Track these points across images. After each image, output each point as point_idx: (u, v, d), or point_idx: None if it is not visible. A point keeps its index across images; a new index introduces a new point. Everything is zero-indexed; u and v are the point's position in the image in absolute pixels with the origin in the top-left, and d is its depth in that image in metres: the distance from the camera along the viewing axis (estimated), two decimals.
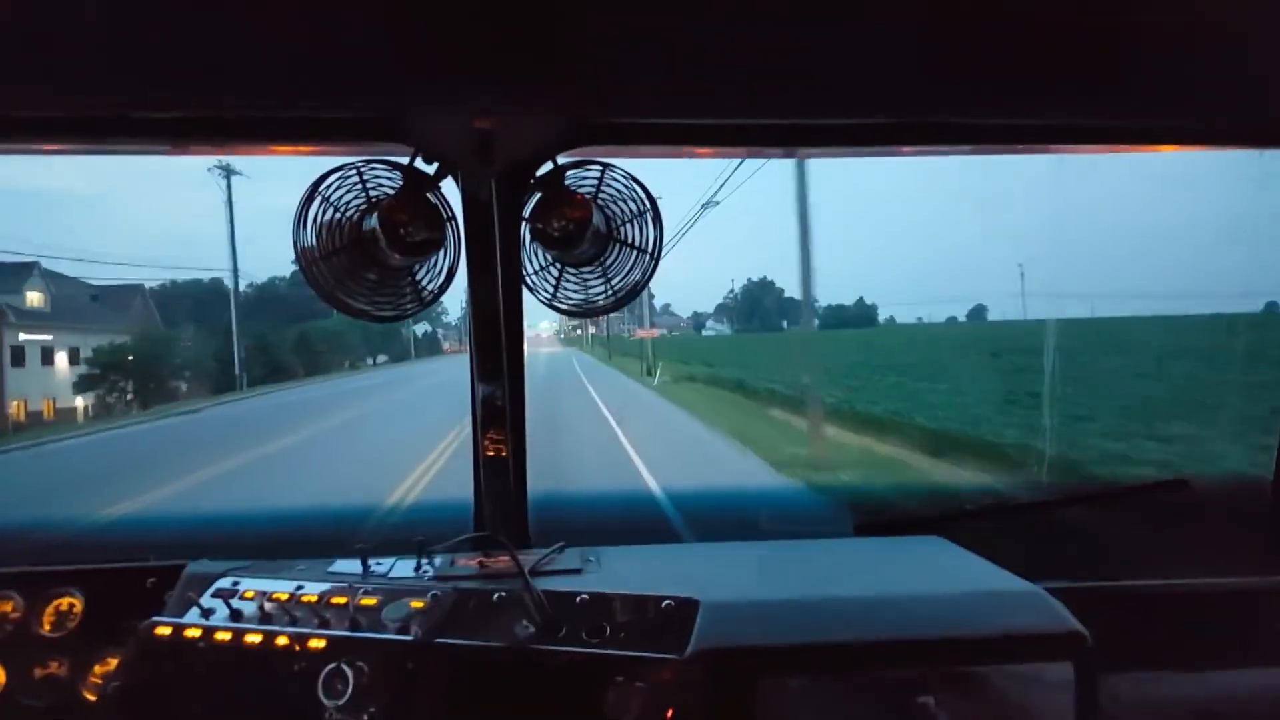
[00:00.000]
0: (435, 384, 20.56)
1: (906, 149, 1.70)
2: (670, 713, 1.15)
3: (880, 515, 1.82)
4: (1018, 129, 1.69)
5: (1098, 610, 1.26)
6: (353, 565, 1.49)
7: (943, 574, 1.48)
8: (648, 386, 21.24)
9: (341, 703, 1.19)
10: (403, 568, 1.48)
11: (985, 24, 1.23)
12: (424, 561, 1.48)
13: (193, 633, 1.31)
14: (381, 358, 29.92)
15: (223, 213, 19.31)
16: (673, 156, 1.74)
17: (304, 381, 23.30)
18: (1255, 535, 1.89)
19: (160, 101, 1.47)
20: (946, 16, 1.20)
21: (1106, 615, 1.26)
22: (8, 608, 1.57)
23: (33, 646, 1.55)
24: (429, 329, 34.37)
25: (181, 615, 1.36)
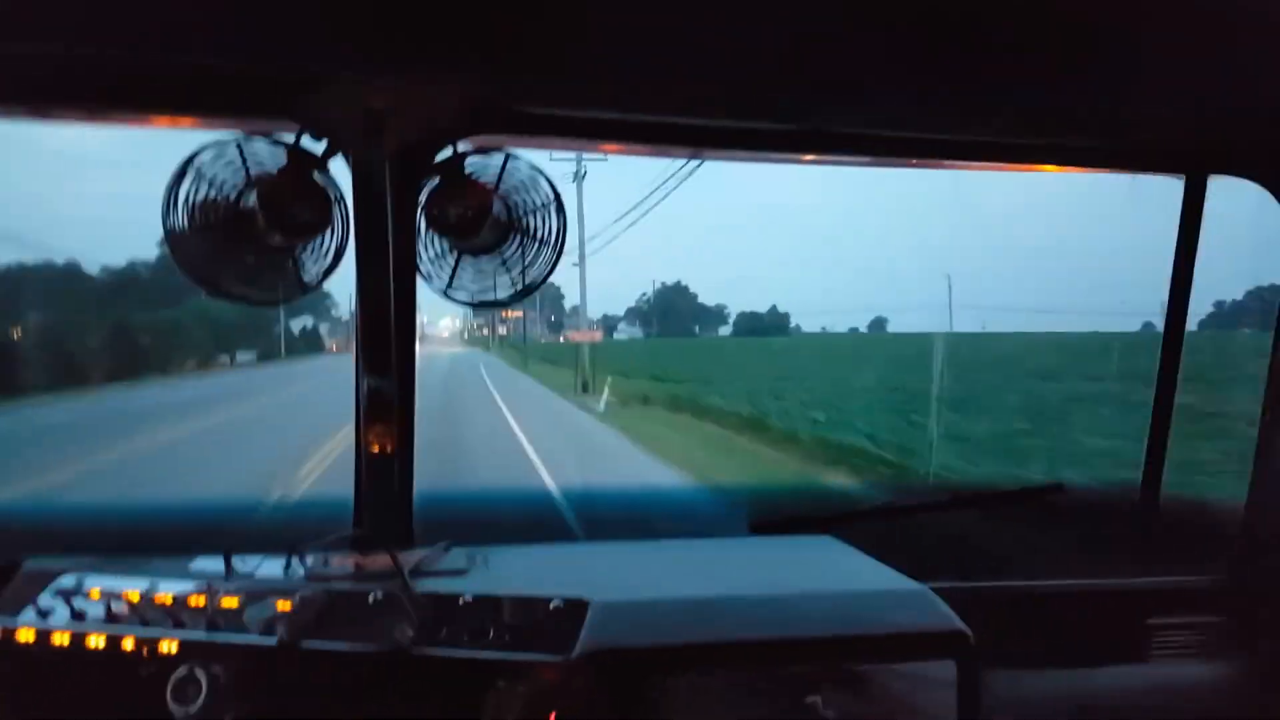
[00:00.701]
0: (304, 396, 16.69)
1: (807, 156, 1.72)
2: (553, 716, 1.11)
3: (775, 515, 1.83)
4: (913, 142, 1.74)
5: (980, 609, 1.29)
6: (215, 564, 1.38)
7: (833, 573, 1.50)
8: (589, 412, 15.84)
9: (193, 710, 1.10)
10: (271, 567, 1.38)
11: (888, 35, 1.25)
12: (295, 561, 1.39)
13: (25, 635, 1.19)
14: (246, 355, 26.04)
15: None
16: (577, 150, 1.71)
17: (99, 388, 17.83)
18: (1126, 538, 2.00)
19: (34, 63, 1.34)
20: (853, 24, 1.21)
21: (988, 614, 1.30)
22: None
23: None
24: (310, 323, 30.99)
25: (14, 616, 1.23)
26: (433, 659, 1.16)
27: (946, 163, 1.83)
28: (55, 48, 1.29)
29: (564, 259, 1.53)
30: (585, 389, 18.98)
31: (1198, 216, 1.84)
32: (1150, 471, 1.94)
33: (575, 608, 1.23)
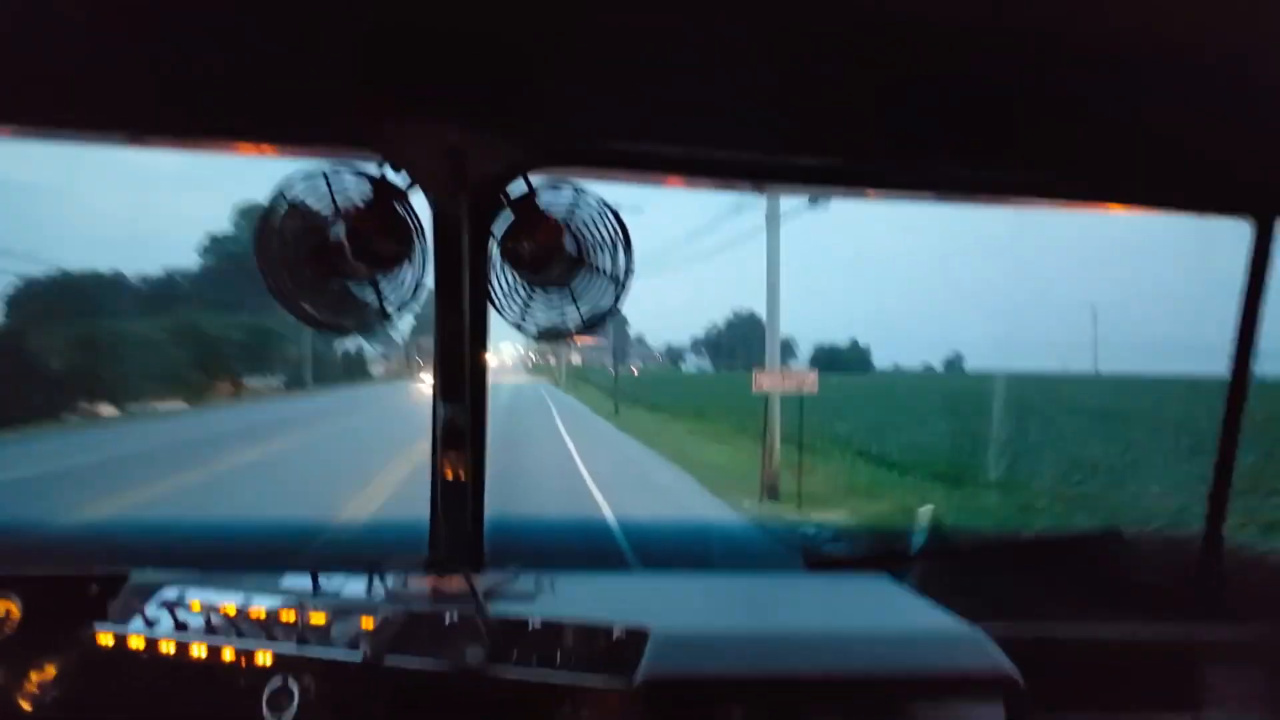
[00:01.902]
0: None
1: (871, 192, 1.75)
2: None
3: (830, 552, 1.86)
4: (980, 182, 1.76)
5: (1031, 654, 1.29)
6: (303, 581, 1.47)
7: (886, 612, 1.51)
8: None
9: (285, 719, 1.18)
10: (354, 586, 1.46)
11: (954, 77, 1.29)
12: (376, 581, 1.47)
13: (136, 643, 1.28)
14: (260, 381, 23.38)
15: None
16: (644, 183, 1.77)
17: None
18: (1184, 588, 1.96)
19: (128, 89, 1.46)
20: (914, 68, 1.26)
21: (1040, 659, 1.30)
22: None
23: None
24: (349, 346, 29.20)
25: (125, 625, 1.33)
26: (504, 680, 1.21)
27: (1012, 200, 1.84)
28: (149, 74, 1.40)
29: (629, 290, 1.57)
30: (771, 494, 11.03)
31: (1265, 259, 1.81)
32: (1212, 520, 1.91)
33: (636, 636, 1.27)
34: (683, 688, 1.21)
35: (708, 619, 1.41)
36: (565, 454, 13.74)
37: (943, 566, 1.88)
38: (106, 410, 18.02)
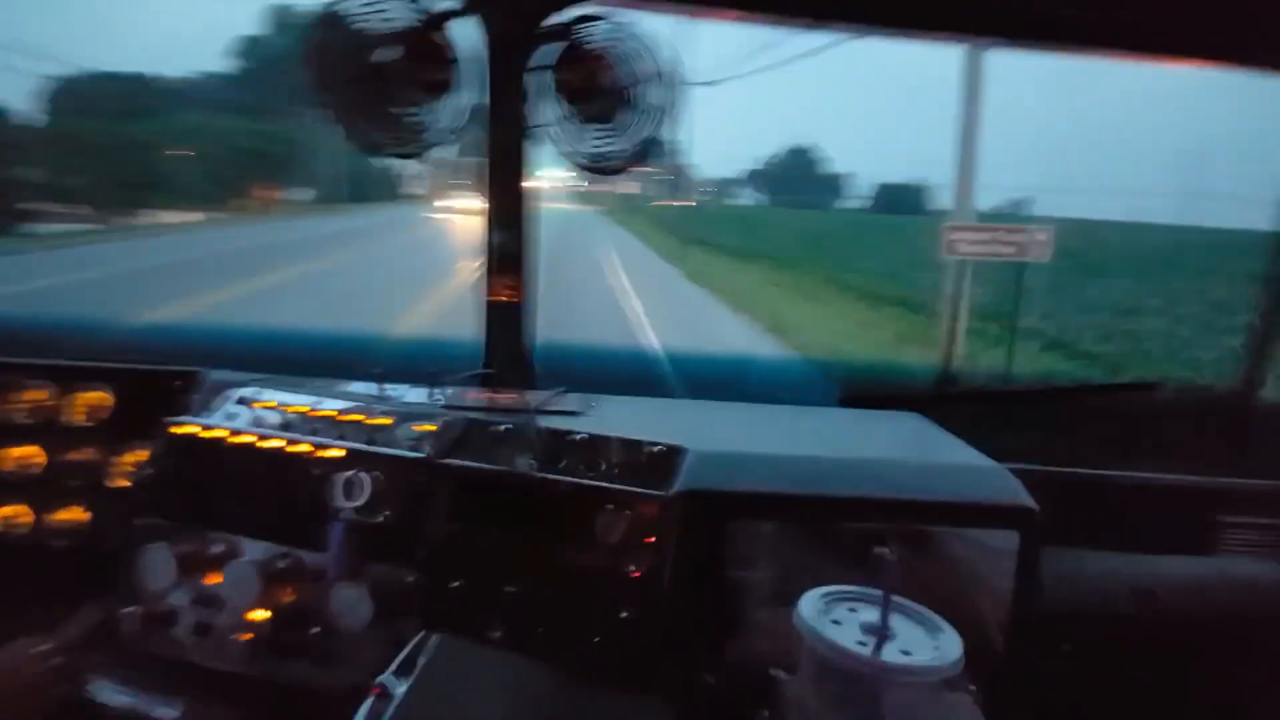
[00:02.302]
0: None
1: (937, 34, 1.67)
2: (651, 540, 1.26)
3: (867, 390, 1.91)
4: (1046, 23, 1.66)
5: (1052, 491, 1.34)
6: (368, 387, 1.59)
7: (914, 446, 1.58)
8: None
9: (358, 504, 1.31)
10: (415, 395, 1.58)
11: None
12: (435, 391, 1.58)
13: (217, 433, 1.42)
14: (294, 194, 22.15)
15: None
16: (689, 16, 1.71)
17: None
18: (1216, 438, 2.00)
19: None
20: None
21: (1059, 496, 1.35)
22: (42, 396, 1.70)
23: (68, 433, 1.69)
24: (390, 164, 26.67)
25: (206, 417, 1.47)
26: (552, 483, 1.32)
27: (1073, 48, 1.75)
28: None
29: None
30: None
31: None
32: (1250, 372, 1.93)
33: (674, 453, 1.35)
34: (715, 499, 1.29)
35: (743, 443, 1.49)
36: (633, 321, 11.27)
37: (977, 410, 1.93)
38: (126, 218, 17.98)
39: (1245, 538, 1.76)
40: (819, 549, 1.34)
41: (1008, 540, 1.30)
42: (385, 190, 28.76)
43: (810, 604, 1.06)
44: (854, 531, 1.31)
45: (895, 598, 1.02)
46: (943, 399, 1.96)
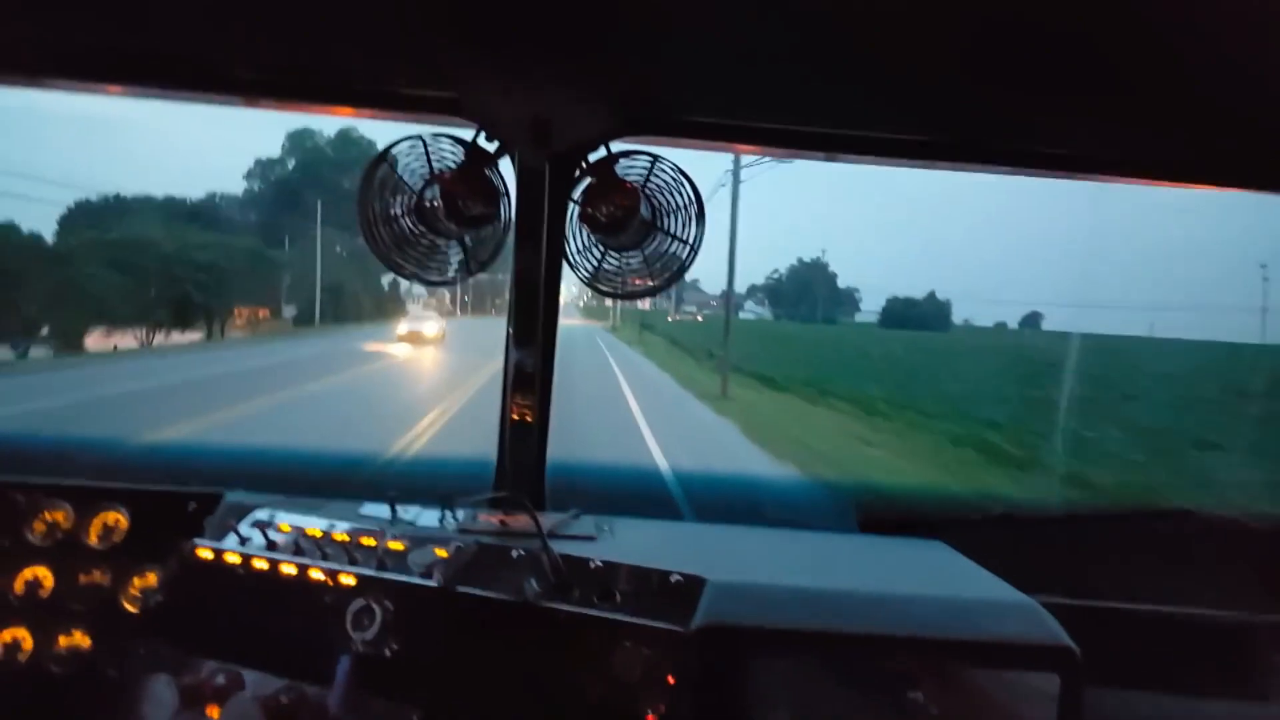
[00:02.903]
0: None
1: (943, 164, 1.74)
2: (672, 680, 1.21)
3: (885, 514, 1.88)
4: (1051, 156, 1.72)
5: (1091, 627, 1.30)
6: (381, 510, 1.58)
7: (941, 578, 1.53)
8: None
9: (368, 636, 1.28)
10: (428, 517, 1.56)
11: (1024, 50, 1.27)
12: (448, 513, 1.56)
13: (232, 558, 1.41)
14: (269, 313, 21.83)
15: None
16: (717, 151, 1.79)
17: None
18: (1255, 571, 1.93)
19: (239, 54, 1.54)
20: (990, 40, 1.24)
21: (1099, 633, 1.30)
22: (59, 517, 1.70)
23: (79, 555, 1.67)
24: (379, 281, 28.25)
25: (220, 541, 1.46)
26: (566, 614, 1.29)
27: (1082, 176, 1.80)
28: (259, 41, 1.48)
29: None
30: None
31: None
32: None
33: (693, 583, 1.32)
34: (737, 635, 1.25)
35: (762, 572, 1.45)
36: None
37: (1002, 536, 1.88)
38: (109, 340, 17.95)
39: None
40: (846, 689, 1.29)
41: (1046, 681, 1.25)
42: (363, 310, 28.67)
43: None
44: (882, 670, 1.26)
45: None
46: (963, 522, 1.91)
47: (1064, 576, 1.72)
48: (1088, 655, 1.24)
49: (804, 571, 1.50)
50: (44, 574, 1.67)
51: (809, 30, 1.24)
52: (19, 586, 1.65)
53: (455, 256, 1.60)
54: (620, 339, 30.81)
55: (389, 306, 28.72)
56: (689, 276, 1.72)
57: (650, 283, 1.62)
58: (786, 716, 1.26)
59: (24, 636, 1.63)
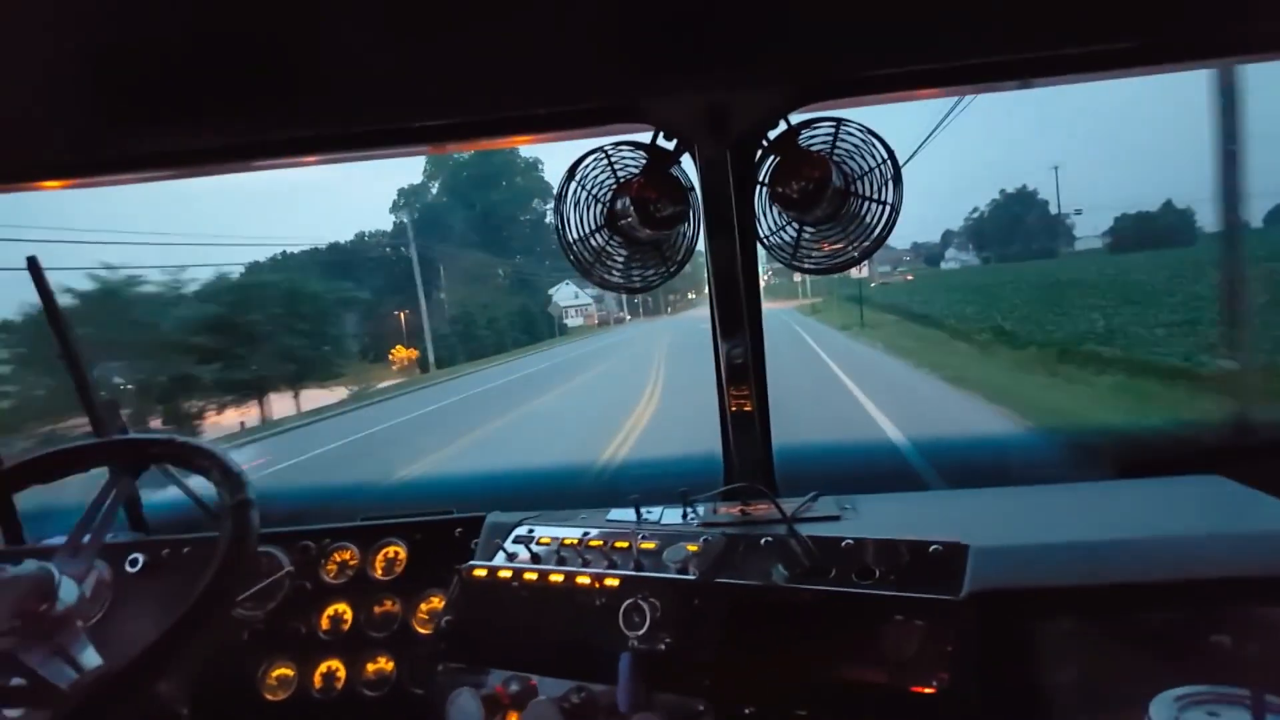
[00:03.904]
0: None
1: (1139, 69, 1.57)
2: (948, 650, 1.18)
3: (1147, 456, 1.72)
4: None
5: None
6: (627, 513, 1.65)
7: (1222, 513, 1.40)
8: None
9: (641, 633, 1.34)
10: (671, 515, 1.62)
11: None
12: (689, 510, 1.61)
13: (505, 574, 1.52)
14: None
15: None
16: (902, 101, 1.72)
17: None
18: None
19: (422, 110, 1.64)
20: None
21: None
22: (347, 556, 1.91)
23: (370, 588, 1.87)
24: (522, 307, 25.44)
25: (490, 559, 1.58)
26: (829, 594, 1.29)
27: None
28: (447, 101, 1.57)
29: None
30: None
31: None
32: None
33: (954, 551, 1.28)
34: (1011, 599, 1.20)
35: (1023, 532, 1.38)
36: None
37: None
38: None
39: None
40: (1135, 643, 1.20)
41: None
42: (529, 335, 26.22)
43: (1163, 710, 0.94)
44: (1176, 619, 1.17)
45: (1271, 697, 0.88)
46: (1241, 453, 1.72)
47: None
48: None
49: (1069, 526, 1.41)
50: (344, 609, 1.87)
51: None
52: (325, 623, 1.86)
53: (652, 260, 1.63)
54: (829, 323, 22.70)
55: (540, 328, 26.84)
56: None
57: (853, 252, 1.56)
58: (1074, 676, 1.19)
59: (338, 666, 1.84)
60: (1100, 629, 1.21)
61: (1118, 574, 1.20)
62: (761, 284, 1.79)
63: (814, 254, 1.59)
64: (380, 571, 1.88)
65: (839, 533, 1.41)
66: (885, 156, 1.49)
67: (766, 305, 1.81)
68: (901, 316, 20.84)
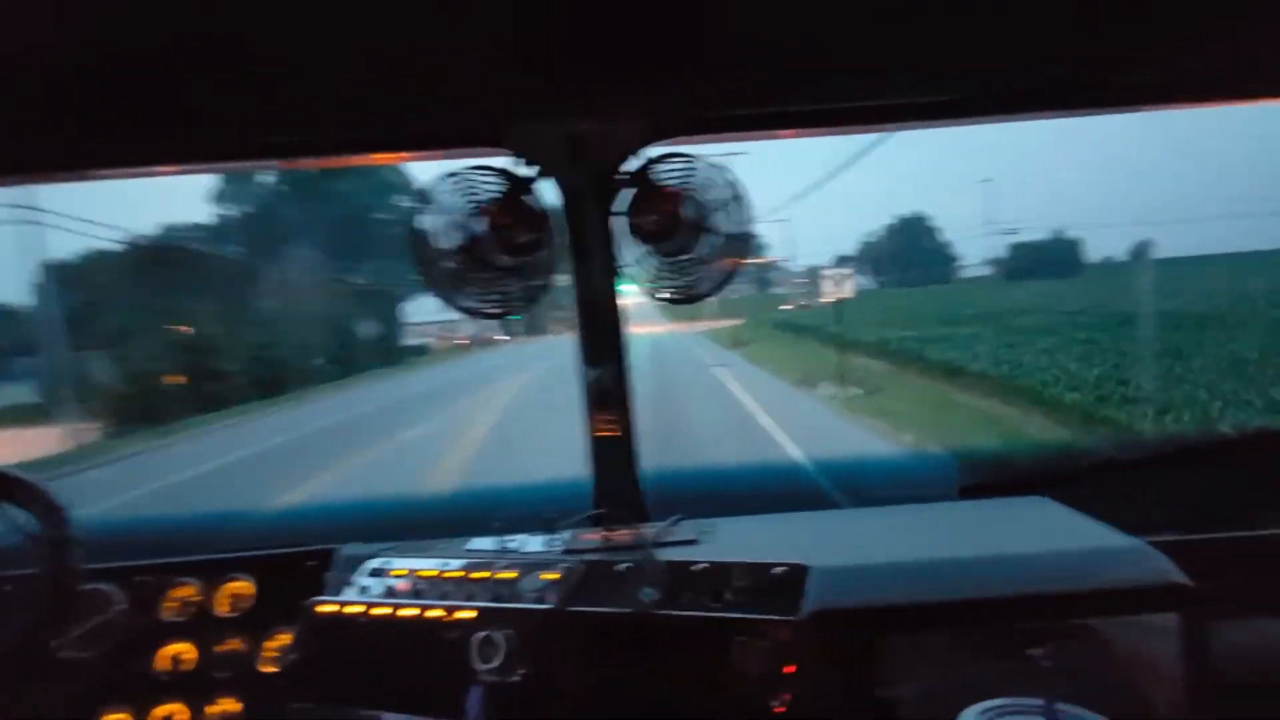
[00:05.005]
0: None
1: (986, 118, 1.71)
2: (792, 669, 1.22)
3: (985, 478, 1.84)
4: (1097, 90, 1.68)
5: (1207, 560, 1.27)
6: (488, 543, 1.63)
7: (1048, 533, 1.50)
8: None
9: (494, 665, 1.32)
10: (533, 543, 1.61)
11: None
12: (552, 537, 1.61)
13: (354, 609, 1.47)
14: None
15: None
16: (755, 140, 1.80)
17: None
18: None
19: (276, 119, 1.60)
20: None
21: (1212, 565, 1.27)
22: (189, 592, 1.79)
23: (214, 626, 1.76)
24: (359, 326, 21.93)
25: (340, 594, 1.52)
26: (678, 619, 1.31)
27: (1148, 107, 1.74)
28: (302, 98, 1.51)
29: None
30: None
31: None
32: None
33: (798, 572, 1.33)
34: (849, 617, 1.26)
35: (866, 551, 1.45)
36: None
37: (1107, 482, 1.83)
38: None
39: None
40: (963, 656, 1.28)
41: (1167, 620, 1.23)
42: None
43: None
44: (998, 633, 1.25)
45: (1060, 706, 0.96)
46: (1067, 476, 1.87)
47: (1171, 514, 1.66)
48: (1209, 588, 1.22)
49: (908, 545, 1.49)
50: (184, 648, 1.75)
51: (825, 12, 1.24)
52: (164, 663, 1.74)
53: (513, 286, 1.63)
54: (717, 342, 23.13)
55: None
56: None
57: (711, 282, 1.62)
58: (908, 691, 1.25)
59: (178, 709, 1.72)
60: (933, 644, 1.28)
61: (948, 591, 1.28)
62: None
63: (672, 283, 1.64)
64: (225, 608, 1.78)
65: (696, 557, 1.44)
66: (736, 193, 1.56)
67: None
68: (797, 334, 23.45)
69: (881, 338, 19.22)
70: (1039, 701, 1.00)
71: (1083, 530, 1.48)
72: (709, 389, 15.92)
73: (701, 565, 1.40)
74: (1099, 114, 1.76)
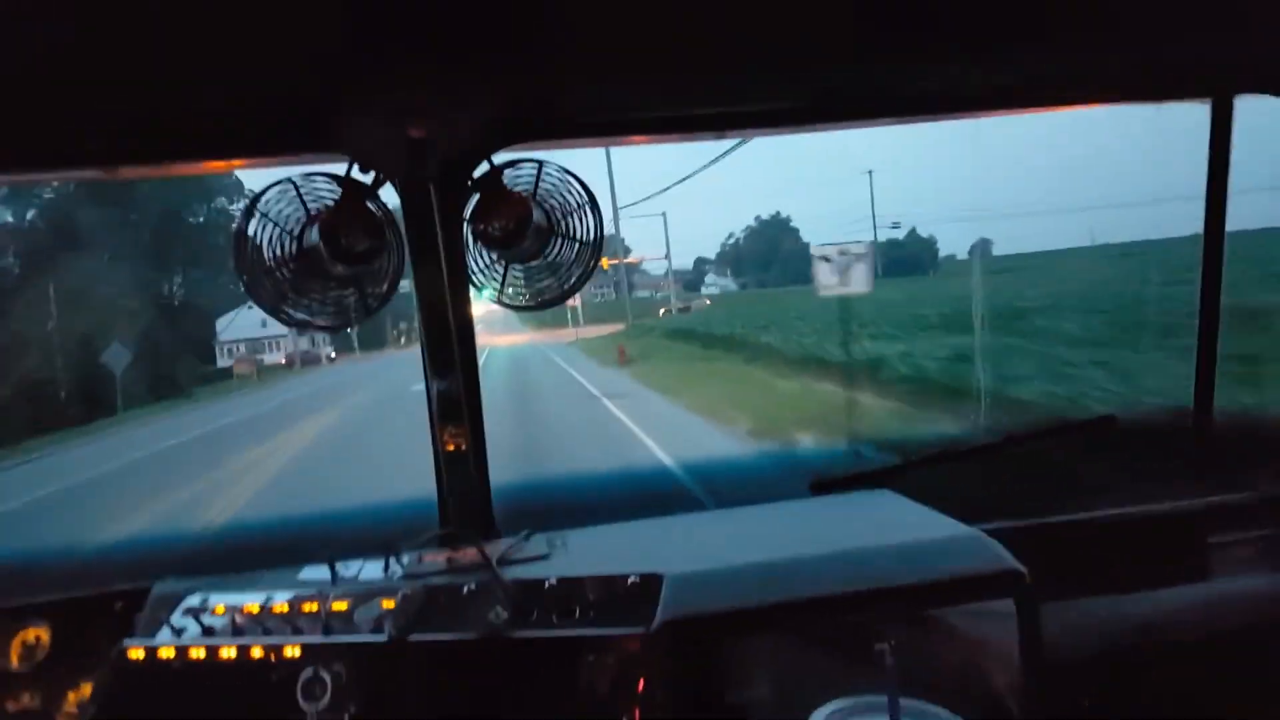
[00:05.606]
0: None
1: (829, 124, 1.76)
2: (642, 683, 1.19)
3: (834, 473, 1.89)
4: (933, 97, 1.77)
5: (1037, 545, 1.34)
6: (321, 571, 1.51)
7: (890, 526, 1.54)
8: None
9: (322, 707, 1.22)
10: (371, 570, 1.50)
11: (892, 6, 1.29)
12: (392, 561, 1.51)
13: (166, 652, 1.32)
14: None
15: None
16: (608, 145, 1.79)
17: None
18: (1181, 462, 2.02)
19: (91, 126, 1.47)
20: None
21: (1046, 549, 1.35)
22: None
23: (3, 682, 1.56)
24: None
25: (153, 636, 1.37)
26: (526, 640, 1.26)
27: (969, 114, 1.86)
28: (112, 106, 1.41)
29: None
30: None
31: (1227, 138, 1.84)
32: (1201, 391, 1.97)
33: (650, 582, 1.30)
34: (701, 625, 1.24)
35: (719, 555, 1.44)
36: None
37: (943, 473, 1.92)
38: None
39: (1233, 554, 1.77)
40: (814, 654, 1.29)
41: (1004, 606, 1.27)
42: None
43: None
44: (846, 629, 1.27)
45: (903, 701, 0.97)
46: (907, 468, 1.94)
47: (1005, 500, 1.77)
48: (1039, 571, 1.27)
49: (759, 546, 1.49)
50: None
51: (681, 12, 1.23)
52: None
53: (350, 295, 1.54)
54: (580, 351, 21.81)
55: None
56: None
57: (562, 288, 1.59)
58: (761, 693, 1.25)
59: None
60: (783, 645, 1.29)
61: (796, 590, 1.29)
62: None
63: (522, 290, 1.60)
64: (16, 661, 1.57)
65: (546, 572, 1.39)
66: (584, 196, 1.54)
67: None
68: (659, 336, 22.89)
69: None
70: (883, 699, 1.00)
71: (923, 522, 1.53)
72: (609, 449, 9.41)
73: (552, 581, 1.35)
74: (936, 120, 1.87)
